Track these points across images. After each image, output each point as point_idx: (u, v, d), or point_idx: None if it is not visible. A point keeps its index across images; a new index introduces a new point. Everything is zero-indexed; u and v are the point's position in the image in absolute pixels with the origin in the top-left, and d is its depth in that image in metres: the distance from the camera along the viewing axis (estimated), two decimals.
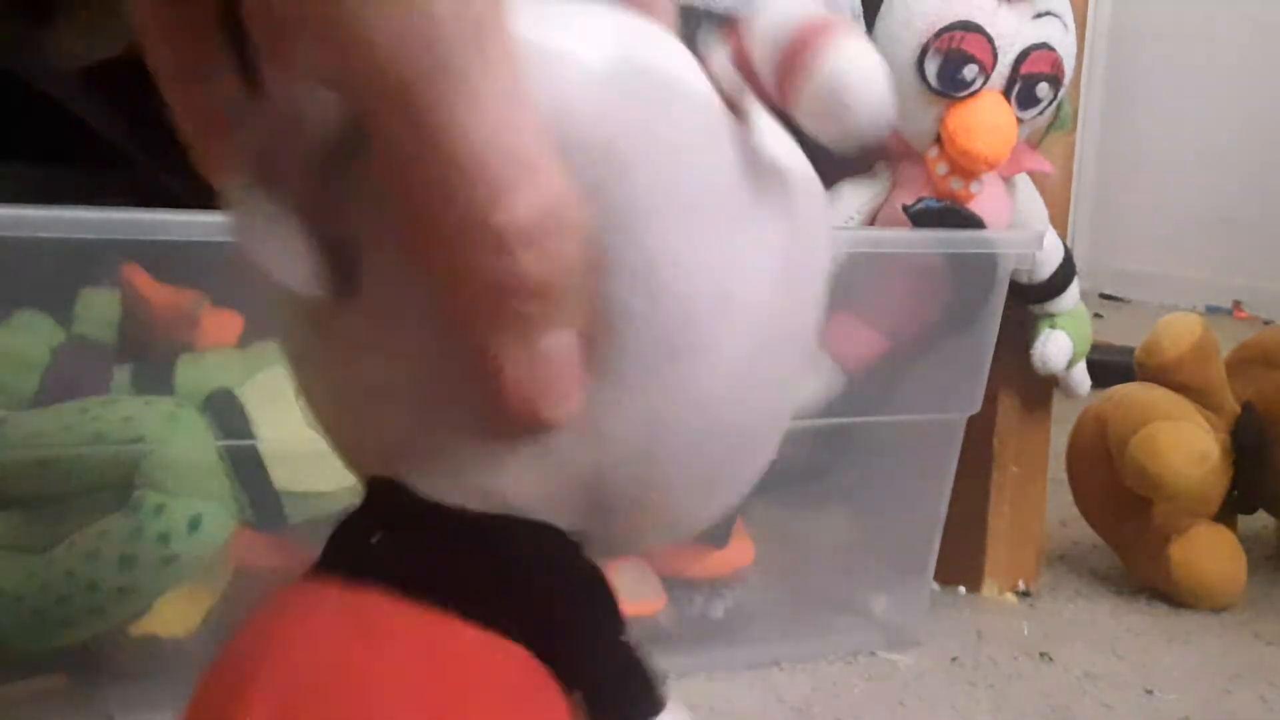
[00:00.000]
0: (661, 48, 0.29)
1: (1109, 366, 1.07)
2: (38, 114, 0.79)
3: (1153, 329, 0.97)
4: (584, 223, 0.26)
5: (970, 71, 0.74)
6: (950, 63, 0.74)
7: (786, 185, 0.29)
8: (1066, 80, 0.78)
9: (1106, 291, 2.70)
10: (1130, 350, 0.99)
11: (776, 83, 0.28)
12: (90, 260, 0.62)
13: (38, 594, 0.61)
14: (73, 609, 0.61)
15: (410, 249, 0.26)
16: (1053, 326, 0.85)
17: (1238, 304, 2.62)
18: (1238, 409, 0.95)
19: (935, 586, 0.86)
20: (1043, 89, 0.77)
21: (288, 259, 0.28)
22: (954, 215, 0.75)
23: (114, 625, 0.62)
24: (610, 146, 0.26)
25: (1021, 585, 0.91)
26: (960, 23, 0.74)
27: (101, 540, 0.61)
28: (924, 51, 0.75)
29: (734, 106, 0.28)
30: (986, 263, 0.77)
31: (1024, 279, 0.83)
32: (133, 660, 0.64)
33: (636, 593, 0.74)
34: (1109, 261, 2.72)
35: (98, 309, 0.64)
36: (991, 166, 0.76)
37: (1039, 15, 0.76)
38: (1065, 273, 0.84)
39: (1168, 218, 2.79)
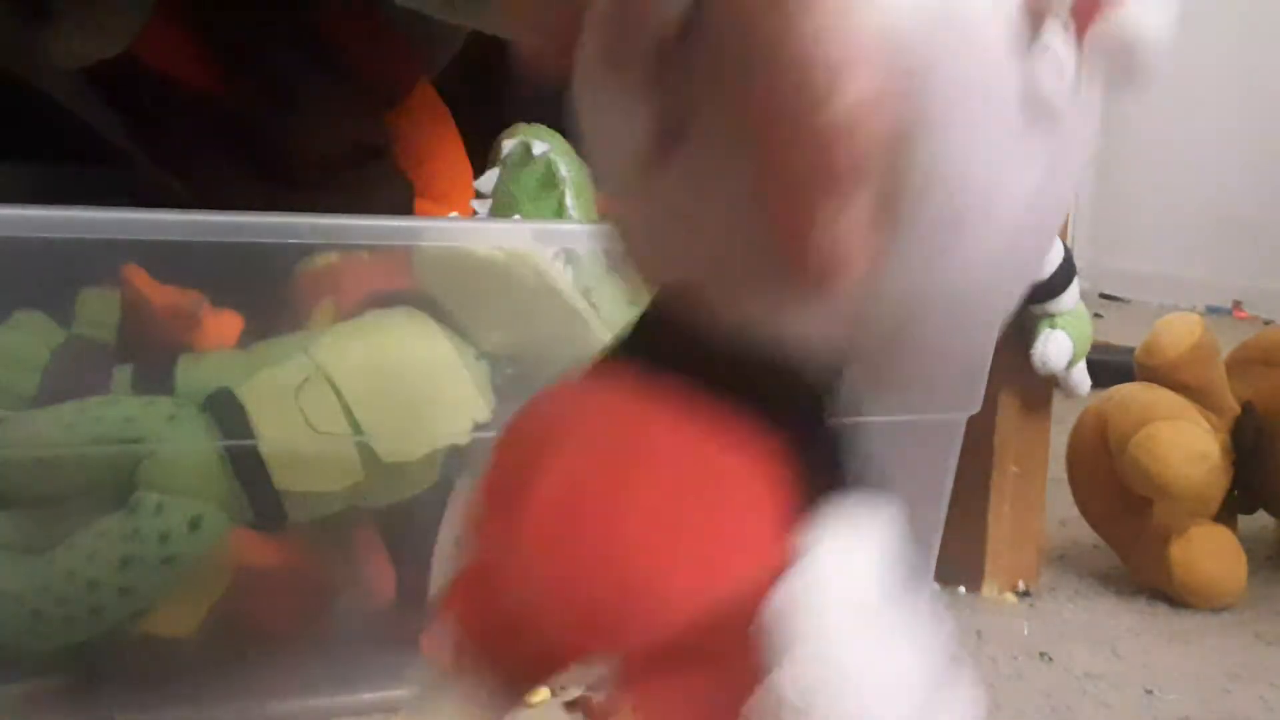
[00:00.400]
0: None
1: (1109, 366, 1.07)
2: (38, 114, 0.79)
3: (1153, 329, 0.97)
4: (887, 119, 0.30)
5: None
6: None
7: (1055, 114, 0.34)
8: None
9: (1106, 291, 2.70)
10: (1130, 350, 0.99)
11: (1072, 15, 0.33)
12: (90, 260, 0.62)
13: (38, 594, 0.61)
14: (73, 609, 0.61)
15: (737, 124, 0.31)
16: (1053, 326, 0.85)
17: (1238, 304, 2.62)
18: (1238, 409, 0.95)
19: (935, 586, 0.86)
20: None
21: (628, 122, 0.34)
22: None
23: (114, 625, 0.62)
24: (913, 58, 0.31)
25: (1021, 585, 0.91)
26: None
27: (101, 540, 0.61)
28: None
29: (1026, 27, 0.33)
30: None
31: None
32: (133, 660, 0.64)
33: None
34: (1109, 261, 2.72)
35: (98, 309, 0.64)
36: None
37: None
38: (1065, 273, 0.84)
39: (1168, 218, 2.79)
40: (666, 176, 0.34)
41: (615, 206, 0.37)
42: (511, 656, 0.39)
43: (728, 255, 0.34)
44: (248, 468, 0.63)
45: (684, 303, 0.36)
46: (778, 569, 0.35)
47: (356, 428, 0.64)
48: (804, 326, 0.35)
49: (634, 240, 0.38)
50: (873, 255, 0.32)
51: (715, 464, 0.35)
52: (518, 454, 0.37)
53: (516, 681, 0.40)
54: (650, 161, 0.34)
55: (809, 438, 0.36)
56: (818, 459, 0.36)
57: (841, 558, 0.35)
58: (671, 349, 0.36)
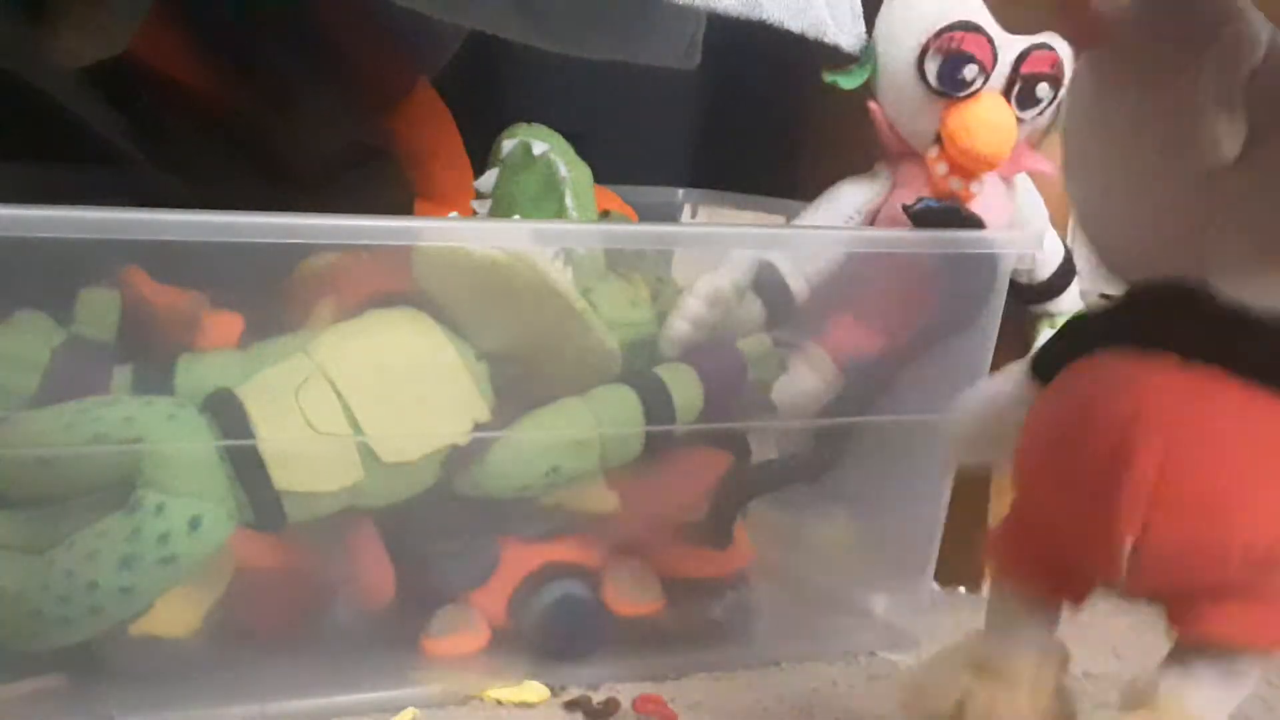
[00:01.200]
0: None
1: None
2: (38, 114, 0.79)
3: None
4: None
5: (970, 71, 0.74)
6: (950, 62, 0.74)
7: None
8: (1066, 80, 0.78)
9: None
10: None
11: None
12: (90, 260, 0.62)
13: (38, 594, 0.61)
14: (73, 609, 0.61)
15: None
16: (1053, 328, 0.85)
17: None
18: None
19: (935, 586, 0.86)
20: (1043, 89, 0.77)
21: (1227, 132, 0.45)
22: (954, 215, 0.75)
23: (114, 625, 0.62)
24: None
25: None
26: (960, 23, 0.74)
27: (101, 540, 0.61)
28: (924, 51, 0.75)
29: None
30: (986, 263, 0.77)
31: (1024, 279, 0.83)
32: (133, 660, 0.64)
33: (635, 593, 0.74)
34: None
35: (98, 309, 0.64)
36: (992, 166, 0.76)
37: None
38: (1066, 273, 0.84)
39: None
40: (1228, 182, 0.46)
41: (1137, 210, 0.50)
42: (1049, 582, 0.55)
43: (1269, 242, 0.46)
44: (248, 468, 0.63)
45: (1193, 294, 0.47)
46: None
47: (356, 428, 0.64)
48: None
49: (1136, 243, 0.51)
50: None
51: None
52: (1075, 430, 0.49)
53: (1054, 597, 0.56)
54: (1223, 164, 0.45)
55: None
56: None
57: None
58: (1187, 334, 0.47)
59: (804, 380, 0.77)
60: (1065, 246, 0.84)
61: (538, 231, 0.66)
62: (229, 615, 0.66)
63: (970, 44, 0.74)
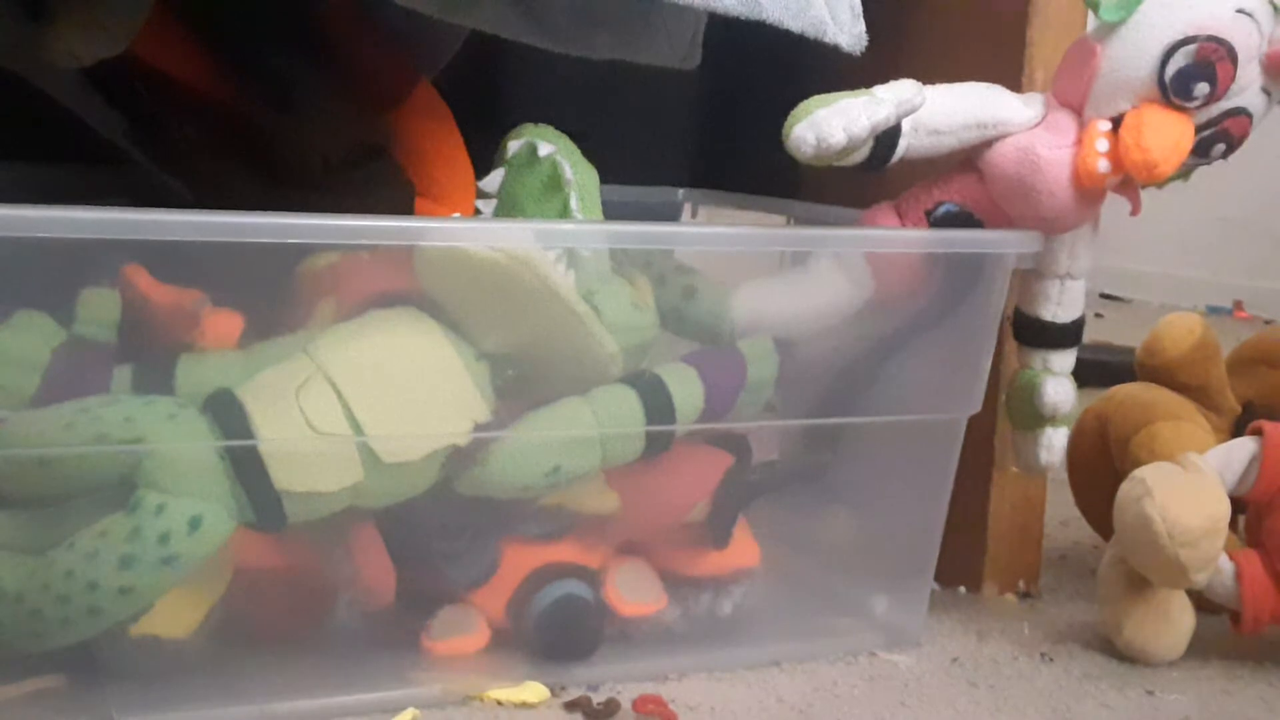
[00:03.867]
0: None
1: (1109, 366, 1.07)
2: (38, 114, 0.79)
3: (1153, 329, 0.97)
4: None
5: (1201, 90, 0.72)
6: (1192, 70, 0.72)
7: None
8: (1226, 158, 0.76)
9: (1106, 291, 2.70)
10: (1130, 350, 0.99)
11: None
12: (90, 260, 0.62)
13: (38, 594, 0.61)
14: (73, 609, 0.61)
15: None
16: (1055, 425, 0.81)
17: (1238, 304, 2.62)
18: (1238, 409, 0.95)
19: (935, 586, 0.86)
20: (1220, 149, 0.75)
21: None
22: (972, 221, 0.75)
23: (114, 625, 0.62)
24: None
25: (1022, 586, 0.90)
26: (1228, 45, 0.72)
27: (101, 540, 0.61)
28: (1181, 42, 0.72)
29: None
30: (986, 262, 0.77)
31: (1048, 316, 0.80)
32: (133, 660, 0.64)
33: (636, 593, 0.74)
34: (1109, 261, 2.71)
35: (98, 309, 0.64)
36: (1147, 180, 0.73)
37: (1265, 90, 0.75)
38: (1077, 331, 0.81)
39: (1168, 218, 2.78)
40: None
41: None
42: None
43: None
44: (248, 468, 0.63)
45: None
46: None
47: (356, 428, 0.64)
48: None
49: None
50: None
51: None
52: None
53: None
54: None
55: None
56: None
57: None
58: None
59: (831, 287, 0.75)
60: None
61: (540, 231, 0.66)
62: (229, 615, 0.66)
63: (1221, 69, 0.72)
